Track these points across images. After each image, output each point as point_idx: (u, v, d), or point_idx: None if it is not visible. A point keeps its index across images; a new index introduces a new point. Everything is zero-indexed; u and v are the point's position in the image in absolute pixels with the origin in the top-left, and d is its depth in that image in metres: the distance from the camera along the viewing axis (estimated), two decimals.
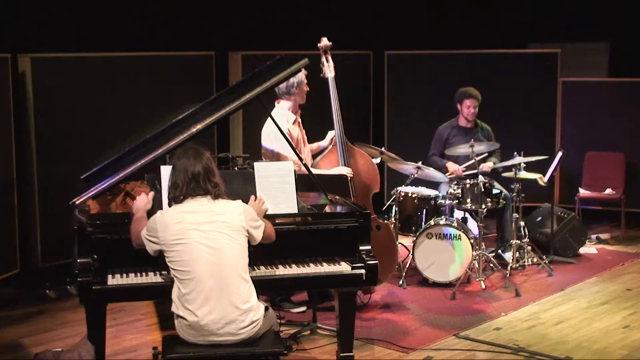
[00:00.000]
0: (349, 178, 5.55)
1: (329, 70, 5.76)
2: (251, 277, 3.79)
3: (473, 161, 6.48)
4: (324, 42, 5.79)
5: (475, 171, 6.48)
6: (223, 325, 3.63)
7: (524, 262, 6.83)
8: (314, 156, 5.84)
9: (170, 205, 3.80)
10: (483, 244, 6.41)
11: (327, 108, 5.73)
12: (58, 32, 6.54)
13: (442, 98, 8.35)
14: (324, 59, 5.78)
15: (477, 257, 6.27)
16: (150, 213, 4.16)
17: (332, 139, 5.81)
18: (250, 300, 3.69)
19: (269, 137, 5.44)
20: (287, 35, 7.92)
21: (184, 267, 3.65)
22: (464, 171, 6.80)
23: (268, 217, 4.03)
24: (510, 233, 6.78)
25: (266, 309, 3.81)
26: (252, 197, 4.13)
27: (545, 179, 6.99)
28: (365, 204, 5.50)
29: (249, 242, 3.81)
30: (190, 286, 3.63)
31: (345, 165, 5.64)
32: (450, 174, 6.80)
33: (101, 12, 6.83)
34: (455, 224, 6.27)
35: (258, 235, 3.84)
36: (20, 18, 6.42)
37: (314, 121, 6.01)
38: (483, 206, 6.31)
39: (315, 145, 5.90)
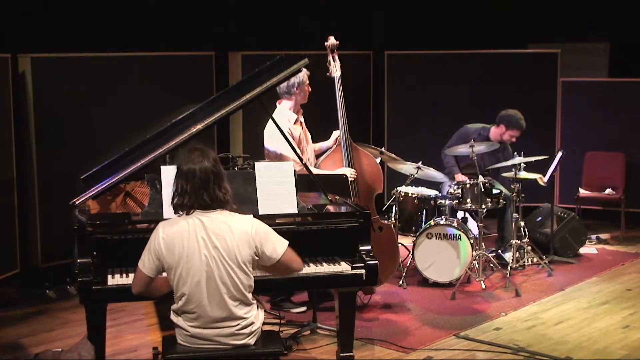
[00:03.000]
0: (352, 179, 5.55)
1: (335, 69, 5.72)
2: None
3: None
4: (331, 41, 5.75)
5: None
6: (221, 338, 3.61)
7: (524, 262, 6.83)
8: (318, 156, 5.84)
9: (176, 211, 3.62)
10: (483, 244, 6.41)
11: (332, 108, 5.72)
12: (58, 32, 6.54)
13: (442, 98, 8.37)
14: (330, 58, 5.73)
15: (477, 257, 6.27)
16: (150, 213, 4.17)
17: (336, 138, 5.81)
18: (248, 317, 3.65)
19: (271, 137, 5.44)
20: (287, 36, 7.92)
21: (183, 289, 3.56)
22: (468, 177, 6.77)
23: (268, 217, 4.00)
24: (511, 233, 6.78)
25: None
26: None
27: (545, 179, 6.99)
28: (368, 205, 5.50)
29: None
30: (189, 306, 3.58)
31: (349, 166, 5.63)
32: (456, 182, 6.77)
33: (101, 12, 6.83)
34: (455, 224, 6.27)
35: (273, 254, 3.63)
36: (20, 18, 6.42)
37: (318, 121, 6.01)
38: (483, 206, 6.31)
39: (318, 145, 5.90)
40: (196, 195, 3.55)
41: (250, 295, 3.65)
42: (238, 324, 3.62)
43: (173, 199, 3.62)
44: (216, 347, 3.63)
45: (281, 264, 3.68)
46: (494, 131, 7.09)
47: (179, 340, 3.69)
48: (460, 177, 6.88)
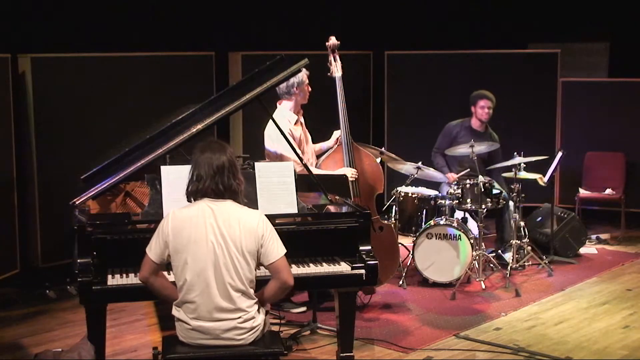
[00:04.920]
0: (353, 179, 5.55)
1: (336, 69, 5.72)
2: None
3: (468, 170, 6.53)
4: (332, 41, 5.75)
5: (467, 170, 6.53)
6: (223, 332, 3.62)
7: (524, 262, 6.82)
8: (319, 156, 5.84)
9: (189, 199, 3.69)
10: (483, 244, 6.41)
11: (333, 108, 5.72)
12: (58, 32, 6.54)
13: (442, 98, 8.37)
14: (331, 58, 5.73)
15: (477, 257, 6.27)
16: (150, 213, 4.17)
17: (337, 138, 5.81)
18: (250, 310, 3.66)
19: (271, 138, 5.45)
20: (287, 36, 7.92)
21: (186, 276, 3.59)
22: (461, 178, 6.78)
23: (268, 217, 4.00)
24: (510, 233, 6.78)
25: (266, 313, 3.80)
26: None
27: (545, 179, 6.99)
28: (369, 205, 5.51)
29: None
30: (190, 295, 3.60)
31: (350, 166, 5.63)
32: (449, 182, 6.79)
33: (101, 12, 6.83)
34: (455, 224, 6.27)
35: (272, 253, 3.65)
36: (20, 18, 6.42)
37: (319, 121, 6.00)
38: (483, 206, 6.31)
39: (319, 145, 5.90)
40: (211, 181, 3.62)
41: (252, 291, 3.67)
42: (239, 317, 3.62)
43: (188, 187, 3.68)
44: (217, 344, 3.62)
45: (274, 267, 3.69)
46: (472, 118, 7.14)
47: (179, 336, 3.69)
48: (452, 176, 6.87)
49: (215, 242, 3.58)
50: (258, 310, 3.71)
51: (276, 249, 3.68)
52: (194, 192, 3.66)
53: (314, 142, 5.85)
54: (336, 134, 5.83)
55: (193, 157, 3.71)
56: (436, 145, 7.18)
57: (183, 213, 3.63)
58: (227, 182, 3.64)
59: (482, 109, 7.04)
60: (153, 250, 3.63)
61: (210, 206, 3.62)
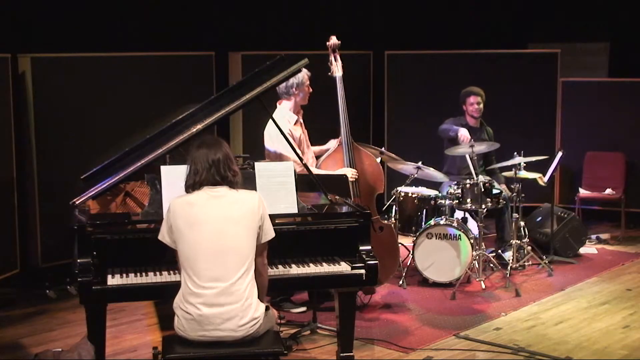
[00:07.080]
0: (353, 179, 5.55)
1: (337, 69, 5.72)
2: None
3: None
4: (333, 40, 5.75)
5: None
6: (223, 321, 3.63)
7: (524, 262, 6.82)
8: (319, 156, 5.83)
9: (187, 191, 3.77)
10: (483, 244, 6.41)
11: (333, 108, 5.71)
12: (58, 32, 6.54)
13: (442, 98, 8.36)
14: (332, 58, 5.74)
15: (477, 257, 6.27)
16: (150, 213, 4.18)
17: (338, 139, 5.80)
18: (250, 297, 3.68)
19: (271, 138, 5.44)
20: (287, 36, 7.92)
21: (187, 261, 3.64)
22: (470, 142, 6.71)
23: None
24: (509, 233, 6.78)
25: (267, 308, 3.81)
26: None
27: (545, 179, 6.99)
28: (369, 205, 5.51)
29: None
30: (193, 279, 3.63)
31: (350, 166, 5.63)
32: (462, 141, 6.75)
33: (101, 12, 6.84)
34: (455, 224, 6.27)
35: (268, 232, 3.80)
36: (20, 18, 6.43)
37: (319, 121, 6.00)
38: (483, 206, 6.31)
39: (318, 148, 5.90)
40: (207, 173, 3.72)
41: (252, 274, 3.71)
42: (240, 304, 3.63)
43: (186, 181, 3.77)
44: (216, 335, 3.62)
45: (264, 246, 3.83)
46: (466, 116, 7.17)
47: (178, 330, 3.68)
48: (464, 132, 6.81)
49: (215, 226, 3.64)
50: (258, 304, 3.72)
51: (271, 228, 3.83)
52: (192, 185, 3.75)
53: (312, 143, 5.84)
54: (331, 142, 5.83)
55: (190, 154, 3.81)
56: (447, 123, 7.10)
57: (183, 200, 3.71)
58: (223, 173, 3.74)
59: (472, 106, 7.08)
60: (168, 240, 3.71)
61: (209, 193, 3.71)
